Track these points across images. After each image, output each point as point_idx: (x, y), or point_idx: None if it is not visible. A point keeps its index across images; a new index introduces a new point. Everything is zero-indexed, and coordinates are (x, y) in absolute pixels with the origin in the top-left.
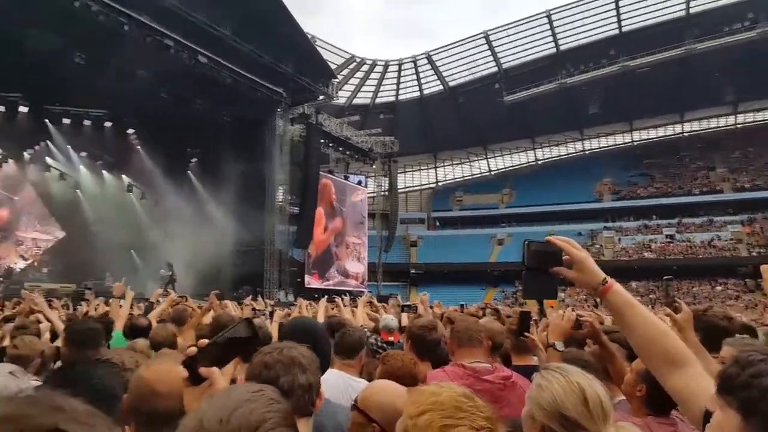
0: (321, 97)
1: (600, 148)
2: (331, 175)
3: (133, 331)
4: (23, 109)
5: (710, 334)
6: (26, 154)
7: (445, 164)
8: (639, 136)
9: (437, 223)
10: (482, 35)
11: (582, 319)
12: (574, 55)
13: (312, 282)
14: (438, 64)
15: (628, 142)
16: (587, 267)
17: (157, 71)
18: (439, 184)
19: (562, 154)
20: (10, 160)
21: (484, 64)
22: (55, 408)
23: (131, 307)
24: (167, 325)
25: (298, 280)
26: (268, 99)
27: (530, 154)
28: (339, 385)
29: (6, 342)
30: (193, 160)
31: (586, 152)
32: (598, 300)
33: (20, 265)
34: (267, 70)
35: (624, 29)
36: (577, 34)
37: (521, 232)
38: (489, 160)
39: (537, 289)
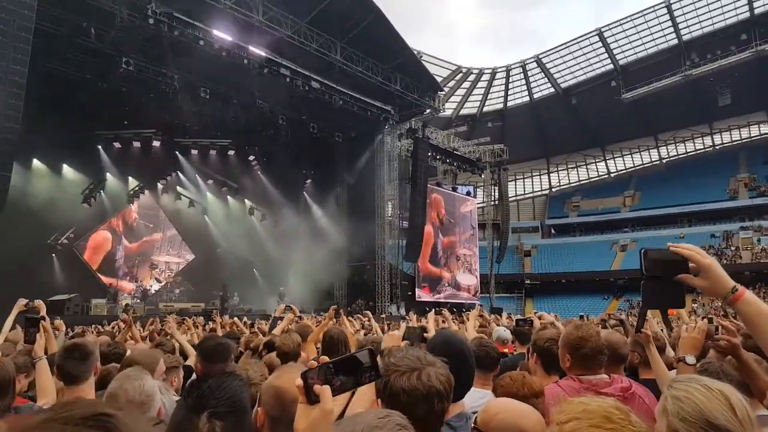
0: (428, 111)
1: (732, 141)
2: (439, 188)
3: (270, 348)
4: (156, 143)
5: None
6: (159, 185)
7: (559, 169)
8: None
9: (552, 231)
10: (595, 32)
11: (723, 327)
12: (699, 45)
13: (423, 295)
14: (548, 66)
15: (766, 133)
16: (715, 274)
17: (274, 99)
18: (554, 189)
19: (689, 150)
20: (146, 191)
21: (599, 62)
22: (93, 403)
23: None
24: (292, 334)
25: (409, 293)
26: (377, 117)
27: (653, 152)
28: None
29: None
30: (308, 181)
31: (717, 147)
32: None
33: (155, 287)
34: (375, 90)
35: (756, 11)
36: (702, 21)
37: (646, 236)
38: (608, 161)
39: (660, 299)
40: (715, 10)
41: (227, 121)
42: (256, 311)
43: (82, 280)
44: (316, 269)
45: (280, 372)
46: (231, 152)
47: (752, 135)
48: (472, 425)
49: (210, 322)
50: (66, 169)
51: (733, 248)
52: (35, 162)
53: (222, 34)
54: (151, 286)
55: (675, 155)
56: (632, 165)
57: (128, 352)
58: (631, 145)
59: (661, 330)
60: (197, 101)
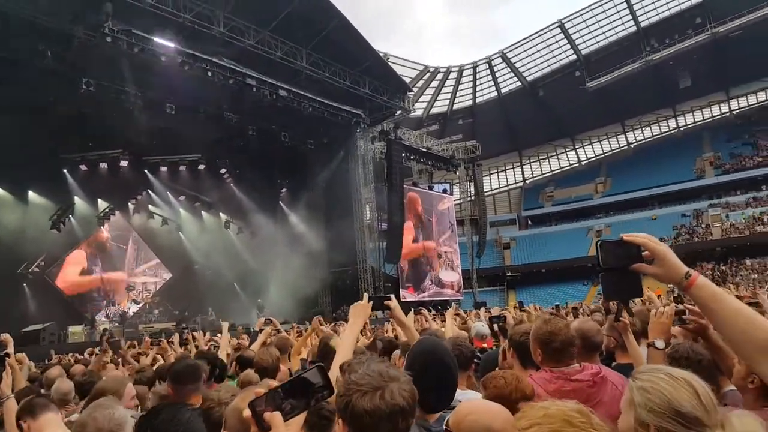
0: (398, 112)
1: (696, 122)
2: (415, 187)
3: (243, 362)
4: (123, 163)
5: None
6: (130, 204)
7: (531, 161)
8: (738, 104)
9: (529, 222)
10: (557, 24)
11: (689, 312)
12: (657, 30)
13: (407, 295)
14: (513, 60)
15: (726, 112)
16: (669, 261)
17: (242, 110)
18: (527, 181)
19: (655, 134)
20: (117, 212)
21: (562, 53)
22: None
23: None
24: (270, 348)
25: (393, 294)
26: (348, 122)
27: (621, 138)
28: None
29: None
30: (283, 190)
31: (681, 128)
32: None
33: (133, 309)
34: (345, 94)
35: None
36: (658, 7)
37: (619, 221)
38: (578, 150)
39: (619, 289)
40: None
41: (195, 136)
42: (239, 325)
43: (56, 308)
44: (297, 278)
45: (245, 394)
46: (201, 166)
47: (714, 114)
48: (444, 427)
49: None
50: (32, 195)
51: (703, 226)
52: None
53: (184, 48)
54: (129, 308)
55: (642, 140)
56: (601, 152)
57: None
58: (599, 133)
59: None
60: (163, 117)
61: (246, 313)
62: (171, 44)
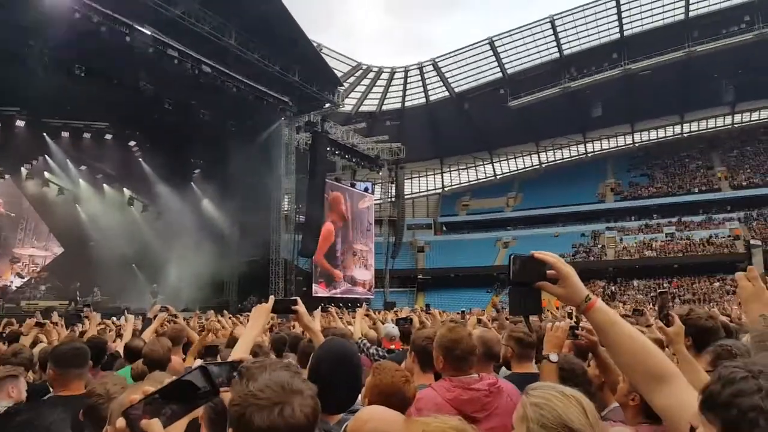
0: (327, 105)
1: (603, 150)
2: (338, 183)
3: (131, 353)
4: (20, 123)
5: (699, 336)
6: (24, 169)
7: (452, 169)
8: (640, 137)
9: (444, 228)
10: (487, 41)
11: (580, 328)
12: (577, 60)
13: (319, 291)
14: (444, 70)
15: (630, 144)
16: (572, 283)
17: (160, 82)
18: (446, 189)
19: (565, 157)
20: (7, 176)
21: (489, 70)
22: None
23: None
24: (162, 339)
25: (305, 289)
26: (273, 108)
27: (534, 157)
28: None
29: None
30: (197, 170)
31: (589, 154)
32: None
33: (17, 283)
34: (273, 79)
35: (626, 33)
36: (580, 38)
37: (527, 234)
38: (495, 164)
39: (523, 305)
40: (592, 28)
41: (105, 103)
42: (135, 310)
43: None
44: (203, 264)
45: (132, 389)
46: (108, 136)
47: (619, 144)
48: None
49: (79, 324)
50: None
51: (599, 246)
52: None
53: (101, 8)
54: (11, 282)
55: (553, 160)
56: (515, 168)
57: None
58: (515, 150)
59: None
60: (71, 79)
61: (143, 297)
62: (90, 3)
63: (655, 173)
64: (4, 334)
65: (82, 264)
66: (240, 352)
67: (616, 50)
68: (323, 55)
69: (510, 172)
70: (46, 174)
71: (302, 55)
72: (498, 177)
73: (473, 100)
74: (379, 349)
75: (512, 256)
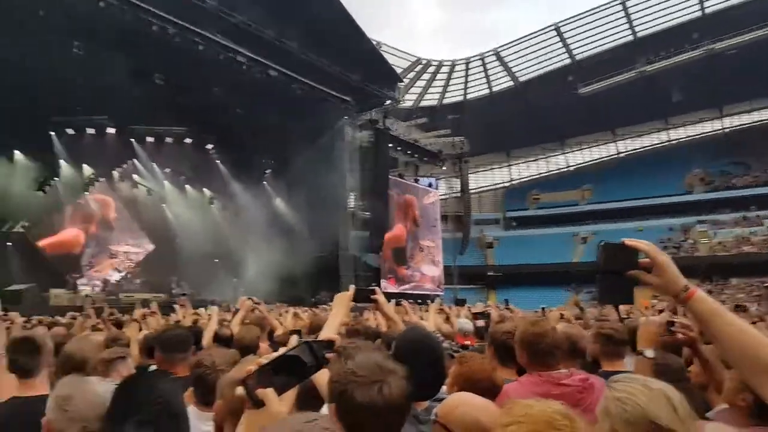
0: (388, 102)
1: (688, 137)
2: (401, 180)
3: (220, 341)
4: (110, 130)
5: None
6: (115, 173)
7: (519, 162)
8: (730, 122)
9: (514, 223)
10: (552, 27)
11: (676, 324)
12: (653, 42)
13: (388, 287)
14: (507, 60)
15: (719, 129)
16: (669, 271)
17: (231, 87)
18: (513, 182)
19: (645, 145)
20: (102, 179)
21: (556, 57)
22: None
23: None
24: (251, 327)
25: (373, 284)
26: (336, 107)
27: (611, 146)
28: None
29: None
30: (268, 170)
31: (672, 142)
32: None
33: (115, 277)
34: (335, 80)
35: (707, 11)
36: (656, 19)
37: (607, 229)
38: (567, 155)
39: (613, 294)
40: (668, 8)
41: (183, 109)
42: (218, 303)
43: (39, 270)
44: (277, 260)
45: (240, 366)
46: (188, 140)
47: (705, 131)
48: (433, 418)
49: (172, 314)
50: (18, 155)
51: (690, 241)
52: None
53: (176, 20)
54: (111, 276)
55: (632, 150)
56: (591, 159)
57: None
58: (588, 140)
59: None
60: (152, 88)
61: (224, 290)
62: (166, 15)
63: (750, 161)
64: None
65: (170, 260)
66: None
67: (696, 29)
68: (382, 53)
69: (584, 162)
70: (135, 177)
71: (362, 54)
72: (571, 168)
73: (539, 89)
74: (453, 344)
75: (602, 244)
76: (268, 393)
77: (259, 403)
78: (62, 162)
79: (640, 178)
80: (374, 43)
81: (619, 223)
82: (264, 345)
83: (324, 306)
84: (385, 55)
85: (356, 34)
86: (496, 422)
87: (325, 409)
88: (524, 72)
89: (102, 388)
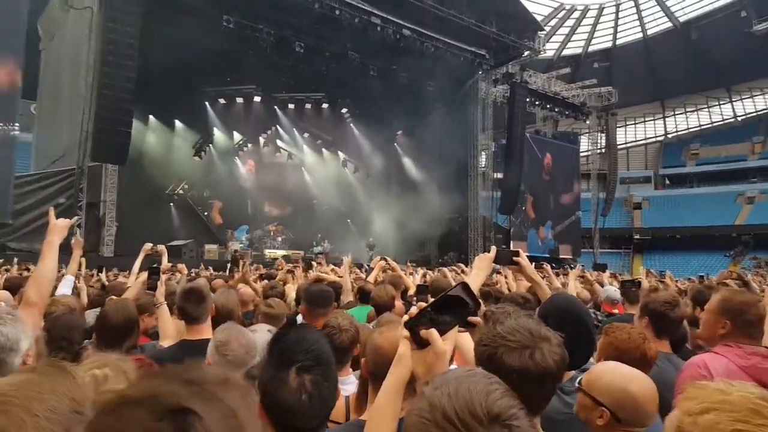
0: (526, 53)
1: None
2: (538, 136)
3: (363, 295)
4: (257, 98)
5: None
6: (261, 138)
7: (677, 113)
8: None
9: (667, 182)
10: None
11: None
12: None
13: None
14: None
15: None
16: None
17: (365, 50)
18: (669, 136)
19: None
20: (250, 144)
21: None
22: (186, 382)
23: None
24: (386, 286)
25: (503, 247)
26: (470, 63)
27: None
28: None
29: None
30: (399, 131)
31: None
32: None
33: (259, 234)
34: (469, 33)
35: None
36: None
37: None
38: (734, 103)
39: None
40: None
41: (320, 75)
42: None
43: (195, 227)
44: (406, 220)
45: (384, 329)
46: (325, 105)
47: None
48: (577, 385)
49: (310, 271)
50: (178, 124)
51: None
52: (151, 119)
53: None
54: (256, 233)
55: None
56: (764, 107)
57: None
58: (762, 85)
59: None
60: (293, 56)
61: (356, 249)
62: None
63: None
64: (262, 275)
65: (307, 219)
66: None
67: None
68: (521, 1)
69: (756, 111)
70: (278, 142)
71: (500, 3)
72: (740, 119)
73: (704, 28)
74: (598, 313)
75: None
76: (432, 333)
77: (423, 344)
78: (215, 129)
79: None
80: None
81: None
82: (399, 303)
83: (453, 267)
84: (525, 3)
85: None
86: (682, 409)
87: None
88: (685, 10)
89: (253, 336)
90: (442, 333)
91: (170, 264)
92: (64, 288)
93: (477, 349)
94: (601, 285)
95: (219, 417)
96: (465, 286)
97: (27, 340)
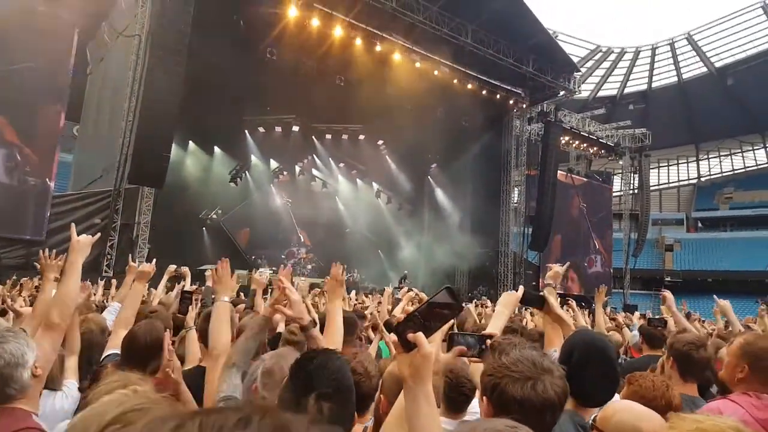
0: (562, 93)
1: None
2: (572, 175)
3: (388, 328)
4: (295, 128)
5: None
6: (297, 167)
7: (710, 156)
8: None
9: (699, 225)
10: (759, 4)
11: None
12: None
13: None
14: (701, 43)
15: None
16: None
17: (402, 85)
18: (702, 179)
19: None
20: (285, 173)
21: (762, 37)
22: (243, 415)
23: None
24: None
25: (533, 283)
26: (506, 100)
27: None
28: None
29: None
30: (433, 165)
31: None
32: None
33: (290, 262)
34: (506, 72)
35: None
36: None
37: None
38: None
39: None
40: None
41: (359, 108)
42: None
43: (227, 253)
44: (437, 253)
45: (398, 360)
46: (362, 137)
47: None
48: (591, 422)
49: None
50: (217, 151)
51: None
52: (191, 144)
53: (355, 22)
54: (286, 261)
55: None
56: None
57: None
58: None
59: None
60: (333, 89)
61: (385, 279)
62: (345, 19)
63: None
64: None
65: (339, 248)
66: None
67: None
68: (559, 42)
69: None
70: (314, 171)
71: (537, 44)
72: None
73: (740, 74)
74: (625, 358)
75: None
76: (418, 336)
77: (409, 347)
78: (253, 157)
79: None
80: (551, 32)
81: None
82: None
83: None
84: (562, 44)
85: (532, 24)
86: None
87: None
88: (721, 56)
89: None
90: (429, 335)
91: (194, 286)
92: (109, 316)
93: (483, 379)
94: (629, 327)
95: None
96: (449, 288)
97: (32, 353)
